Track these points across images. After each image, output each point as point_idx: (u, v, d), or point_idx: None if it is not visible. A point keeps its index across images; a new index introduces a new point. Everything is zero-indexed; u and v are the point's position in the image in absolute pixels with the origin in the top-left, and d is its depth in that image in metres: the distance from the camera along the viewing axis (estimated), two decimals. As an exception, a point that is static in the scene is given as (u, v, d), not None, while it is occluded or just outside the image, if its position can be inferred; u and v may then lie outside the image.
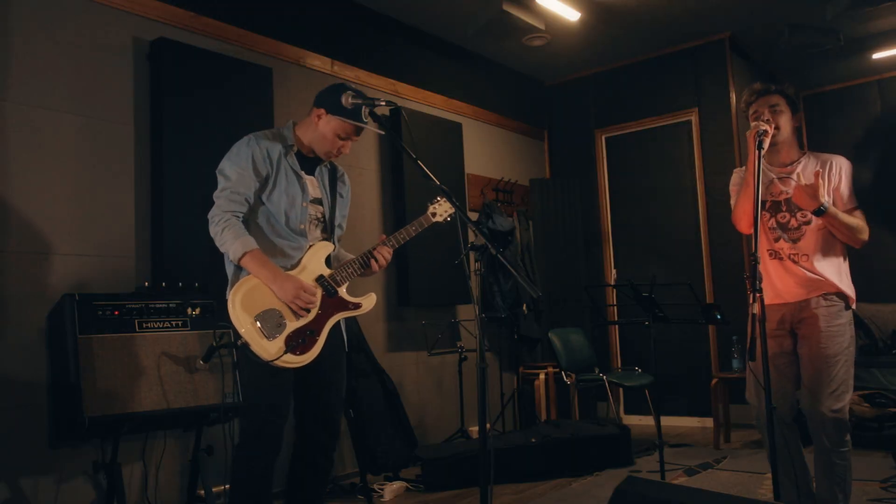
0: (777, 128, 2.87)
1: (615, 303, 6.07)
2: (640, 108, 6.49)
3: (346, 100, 2.53)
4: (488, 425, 2.75)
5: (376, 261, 2.65)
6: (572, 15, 5.31)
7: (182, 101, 3.78)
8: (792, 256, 2.88)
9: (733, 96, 5.96)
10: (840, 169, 2.90)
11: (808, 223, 2.88)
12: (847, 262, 2.91)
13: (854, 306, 2.90)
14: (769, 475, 2.88)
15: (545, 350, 6.14)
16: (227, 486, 2.54)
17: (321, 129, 2.62)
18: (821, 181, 2.75)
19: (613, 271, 6.55)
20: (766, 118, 2.87)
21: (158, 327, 3.21)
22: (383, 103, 2.58)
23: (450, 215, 2.77)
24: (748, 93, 3.01)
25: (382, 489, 4.04)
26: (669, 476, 4.05)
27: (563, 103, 6.92)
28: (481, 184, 5.99)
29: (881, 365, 5.00)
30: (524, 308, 5.91)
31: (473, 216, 5.84)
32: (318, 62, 4.75)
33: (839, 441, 2.79)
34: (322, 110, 2.62)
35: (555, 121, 6.96)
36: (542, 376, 5.77)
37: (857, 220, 2.83)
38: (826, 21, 5.40)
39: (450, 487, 4.13)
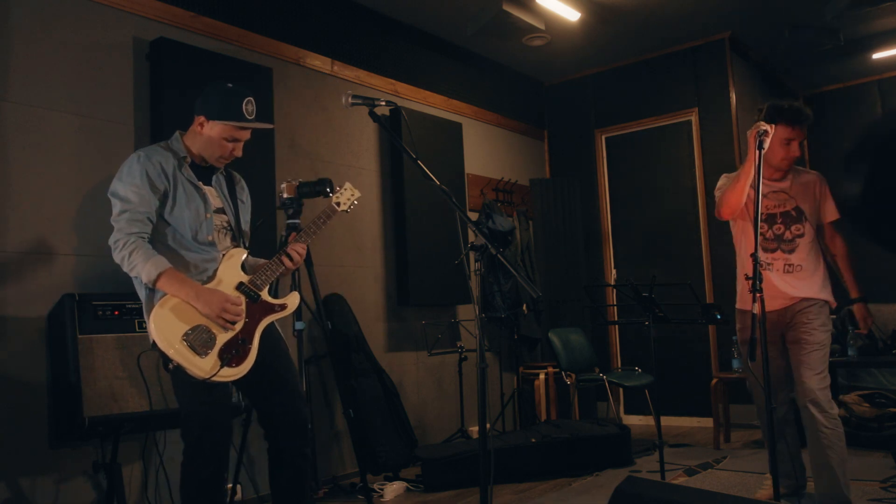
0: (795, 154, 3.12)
1: (615, 303, 6.07)
2: (640, 108, 6.48)
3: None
4: (488, 425, 2.76)
5: (290, 258, 2.62)
6: (572, 15, 5.31)
7: (182, 101, 3.76)
8: (785, 267, 3.13)
9: (733, 96, 5.96)
10: (823, 185, 3.19)
11: (801, 236, 3.13)
12: (827, 272, 3.22)
13: (833, 307, 3.22)
14: (769, 475, 2.89)
15: (545, 350, 6.14)
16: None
17: (205, 136, 2.55)
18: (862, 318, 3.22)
19: (613, 271, 6.55)
20: (795, 149, 3.08)
21: (158, 327, 3.20)
22: (383, 103, 2.58)
23: (353, 203, 2.83)
24: (782, 109, 3.08)
25: (382, 489, 4.04)
26: (669, 476, 4.05)
27: (563, 103, 6.91)
28: (481, 184, 5.99)
29: (881, 365, 5.00)
30: (524, 308, 5.91)
31: (473, 216, 5.84)
32: (318, 62, 4.75)
33: (826, 403, 2.98)
34: (202, 118, 2.55)
35: (555, 121, 6.96)
36: (542, 376, 5.77)
37: (852, 260, 3.20)
38: (826, 21, 5.40)
39: (450, 487, 4.13)
